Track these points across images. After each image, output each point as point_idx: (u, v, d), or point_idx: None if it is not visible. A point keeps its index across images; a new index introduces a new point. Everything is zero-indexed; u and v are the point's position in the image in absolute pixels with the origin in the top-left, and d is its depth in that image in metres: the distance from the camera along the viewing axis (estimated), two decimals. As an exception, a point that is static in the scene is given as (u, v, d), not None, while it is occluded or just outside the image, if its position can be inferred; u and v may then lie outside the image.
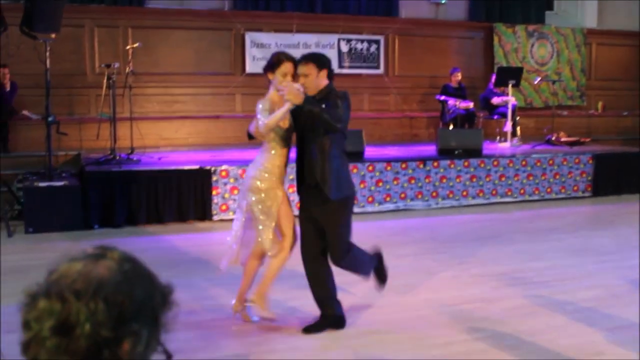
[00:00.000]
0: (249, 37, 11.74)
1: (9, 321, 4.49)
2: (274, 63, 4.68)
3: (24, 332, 1.12)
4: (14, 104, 9.82)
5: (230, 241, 4.79)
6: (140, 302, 1.16)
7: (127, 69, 9.39)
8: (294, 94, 4.40)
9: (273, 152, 4.68)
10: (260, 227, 4.63)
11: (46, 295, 1.12)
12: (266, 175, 4.65)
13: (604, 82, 14.63)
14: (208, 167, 8.37)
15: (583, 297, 5.47)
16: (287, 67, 4.64)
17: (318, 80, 4.61)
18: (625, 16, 14.77)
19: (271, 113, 4.54)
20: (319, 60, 4.67)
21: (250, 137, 4.87)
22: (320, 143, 4.55)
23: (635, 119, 14.09)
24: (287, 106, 4.47)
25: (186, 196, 8.30)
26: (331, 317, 4.76)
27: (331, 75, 4.71)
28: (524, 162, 9.99)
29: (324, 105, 4.46)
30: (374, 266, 5.05)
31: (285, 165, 4.76)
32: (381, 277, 5.13)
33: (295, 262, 4.81)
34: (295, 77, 4.66)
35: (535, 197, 10.05)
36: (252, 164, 4.79)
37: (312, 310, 4.83)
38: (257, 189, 4.63)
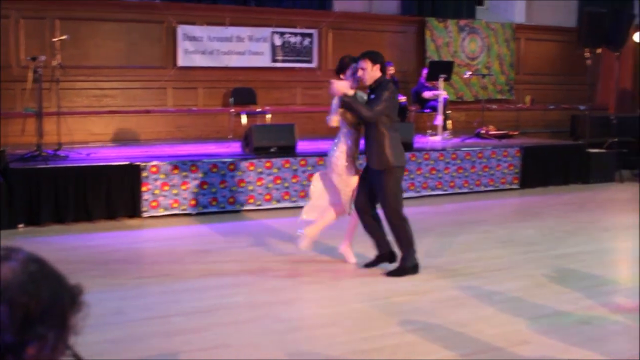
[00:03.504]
0: (181, 30, 11.57)
1: None
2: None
3: None
4: None
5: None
6: (46, 304, 1.12)
7: (54, 62, 9.13)
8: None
9: None
10: None
11: None
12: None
13: (531, 77, 15.03)
14: (138, 163, 8.22)
15: (510, 288, 5.62)
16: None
17: (372, 73, 5.83)
18: (552, 12, 15.21)
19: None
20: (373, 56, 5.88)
21: None
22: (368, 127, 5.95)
23: (561, 113, 14.55)
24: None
25: (115, 193, 8.10)
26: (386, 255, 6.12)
27: (383, 69, 5.94)
28: (454, 156, 10.17)
29: (372, 96, 5.81)
30: (413, 253, 5.95)
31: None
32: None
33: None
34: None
35: (465, 190, 10.25)
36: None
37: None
38: None
